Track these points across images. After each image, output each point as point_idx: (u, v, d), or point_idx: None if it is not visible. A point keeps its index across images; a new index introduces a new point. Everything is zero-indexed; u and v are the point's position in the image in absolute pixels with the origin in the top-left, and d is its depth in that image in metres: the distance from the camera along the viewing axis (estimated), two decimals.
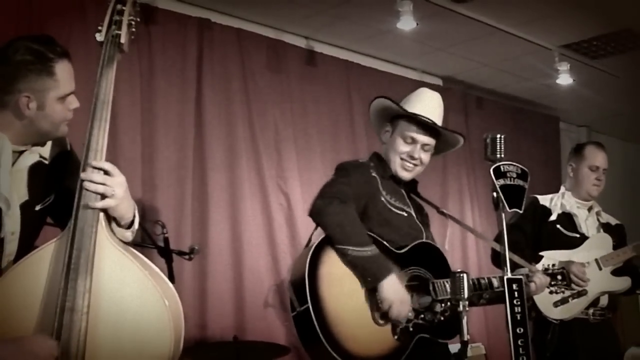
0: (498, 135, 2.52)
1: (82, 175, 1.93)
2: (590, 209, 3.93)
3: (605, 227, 3.91)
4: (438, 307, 2.72)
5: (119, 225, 2.02)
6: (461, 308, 2.31)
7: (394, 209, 2.84)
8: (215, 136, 4.63)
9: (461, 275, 2.33)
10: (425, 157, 2.94)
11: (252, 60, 4.90)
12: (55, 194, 2.17)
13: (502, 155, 2.51)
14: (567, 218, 3.84)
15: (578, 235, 3.81)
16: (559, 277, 3.15)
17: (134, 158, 4.22)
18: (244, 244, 4.62)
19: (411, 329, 2.66)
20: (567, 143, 7.17)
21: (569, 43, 5.49)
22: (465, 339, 2.30)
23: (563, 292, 3.24)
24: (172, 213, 4.33)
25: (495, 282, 2.84)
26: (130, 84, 4.24)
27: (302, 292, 2.52)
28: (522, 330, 2.34)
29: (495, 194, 2.47)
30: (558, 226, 3.81)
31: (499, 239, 2.52)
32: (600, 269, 3.73)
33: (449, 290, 2.65)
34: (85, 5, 4.09)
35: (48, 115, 2.06)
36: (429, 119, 2.88)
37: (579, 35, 5.36)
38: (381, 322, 2.61)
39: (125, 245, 2.01)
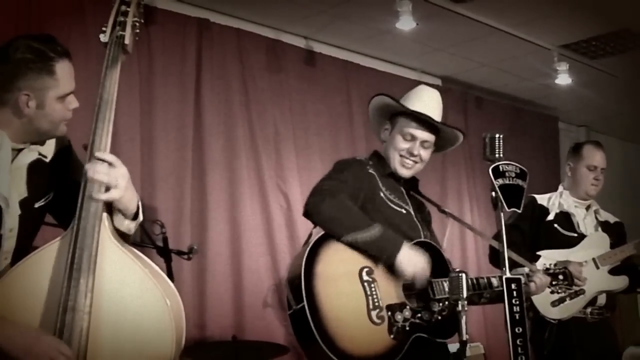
0: (497, 135, 2.53)
1: (87, 165, 1.94)
2: (588, 207, 3.93)
3: (604, 225, 3.91)
4: (436, 307, 2.71)
5: (124, 217, 2.02)
6: (460, 308, 2.31)
7: (392, 206, 2.84)
8: (215, 136, 4.63)
9: (459, 275, 2.33)
10: (425, 154, 2.92)
11: (251, 60, 4.91)
12: (55, 192, 2.18)
13: (501, 155, 2.51)
14: (564, 217, 3.85)
15: (576, 235, 3.81)
16: (561, 277, 3.13)
17: (133, 158, 4.22)
18: (243, 244, 4.63)
19: (408, 328, 2.65)
20: (566, 143, 7.17)
21: (568, 43, 5.50)
22: (464, 338, 2.31)
23: (564, 291, 3.23)
24: (171, 213, 4.33)
25: (495, 282, 2.83)
26: (130, 84, 4.24)
27: (298, 291, 2.52)
28: (520, 329, 2.34)
29: (494, 193, 2.48)
30: (556, 225, 3.81)
31: (497, 238, 2.53)
32: (597, 268, 3.73)
33: (447, 289, 2.65)
34: (85, 6, 4.10)
35: (47, 114, 2.06)
36: (427, 115, 2.88)
37: (578, 35, 5.37)
38: (377, 321, 2.60)
39: (127, 245, 2.02)
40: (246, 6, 4.80)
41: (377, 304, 2.62)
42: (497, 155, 2.51)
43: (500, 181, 2.48)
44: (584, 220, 3.87)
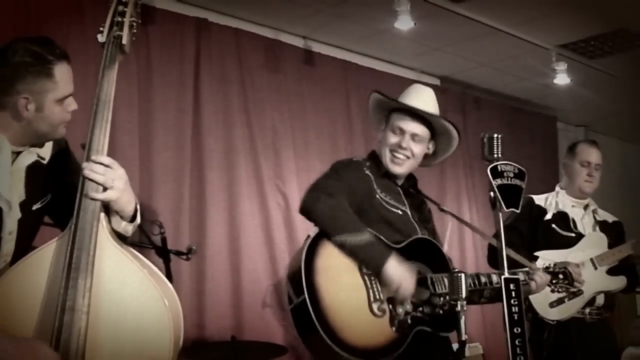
0: (495, 135, 2.53)
1: (84, 165, 1.94)
2: (586, 207, 3.93)
3: (602, 225, 3.91)
4: (437, 301, 2.71)
5: (121, 218, 2.02)
6: (459, 308, 2.31)
7: (388, 207, 2.83)
8: (213, 136, 4.63)
9: (459, 275, 2.33)
10: (416, 148, 2.88)
11: (250, 60, 4.91)
12: (53, 194, 2.18)
13: (500, 155, 2.51)
14: (562, 217, 3.85)
15: (574, 235, 3.81)
16: (561, 276, 3.13)
17: (131, 158, 4.22)
18: (242, 244, 4.62)
19: (409, 322, 2.65)
20: (564, 143, 7.16)
21: (566, 43, 5.50)
22: (463, 338, 2.31)
23: (566, 290, 3.22)
24: (170, 213, 4.33)
25: (495, 278, 2.83)
26: (128, 84, 4.24)
27: (299, 284, 2.52)
28: (519, 329, 2.34)
29: (492, 193, 2.48)
30: (553, 226, 3.81)
31: (496, 238, 2.52)
32: (595, 268, 3.73)
33: (447, 284, 2.65)
34: (83, 6, 4.10)
35: (46, 117, 2.06)
36: (412, 106, 2.86)
37: (577, 35, 5.38)
38: (379, 313, 2.60)
39: (125, 245, 2.01)
40: (245, 6, 4.80)
41: (378, 296, 2.62)
42: (495, 155, 2.51)
43: (499, 181, 2.48)
44: (582, 220, 3.87)
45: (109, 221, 2.00)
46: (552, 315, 3.63)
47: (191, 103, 4.58)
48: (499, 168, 2.50)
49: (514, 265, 2.94)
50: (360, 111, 5.31)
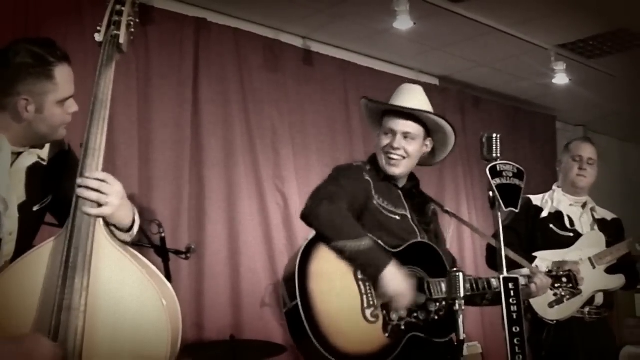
0: (494, 135, 2.52)
1: (79, 181, 1.92)
2: (584, 205, 3.93)
3: (601, 223, 3.90)
4: (432, 307, 2.71)
5: (117, 229, 2.02)
6: (457, 307, 2.31)
7: (385, 213, 2.82)
8: (212, 136, 4.63)
9: (457, 274, 2.33)
10: (410, 147, 2.86)
11: (249, 59, 4.91)
12: (54, 195, 2.18)
13: (499, 155, 2.51)
14: (558, 216, 3.84)
15: (572, 234, 3.80)
16: (564, 279, 3.12)
17: (130, 157, 4.22)
18: (241, 244, 4.63)
19: (403, 327, 2.65)
20: (563, 142, 7.10)
21: (565, 43, 5.50)
22: (462, 338, 2.31)
23: (571, 293, 3.20)
24: (169, 212, 4.33)
25: (494, 283, 2.82)
26: (127, 84, 4.24)
27: (292, 289, 2.53)
28: (518, 329, 2.34)
29: (491, 193, 2.48)
30: (551, 226, 3.80)
31: (495, 238, 2.52)
32: (593, 267, 3.73)
33: (444, 289, 2.65)
34: (82, 7, 4.09)
35: (46, 118, 2.06)
36: (397, 105, 2.86)
37: (576, 35, 5.38)
38: (372, 319, 2.60)
39: (124, 245, 2.01)
40: (244, 6, 4.80)
41: (371, 302, 2.61)
42: (494, 155, 2.51)
43: (498, 181, 2.48)
44: (580, 219, 3.87)
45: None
46: (551, 315, 3.62)
47: (190, 102, 4.58)
48: (498, 168, 2.49)
49: (514, 267, 2.94)
50: (359, 111, 5.28)
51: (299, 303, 2.49)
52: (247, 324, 4.51)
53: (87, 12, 4.07)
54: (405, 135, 2.86)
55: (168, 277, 3.44)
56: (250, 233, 4.69)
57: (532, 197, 3.90)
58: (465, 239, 6.00)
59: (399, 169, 2.88)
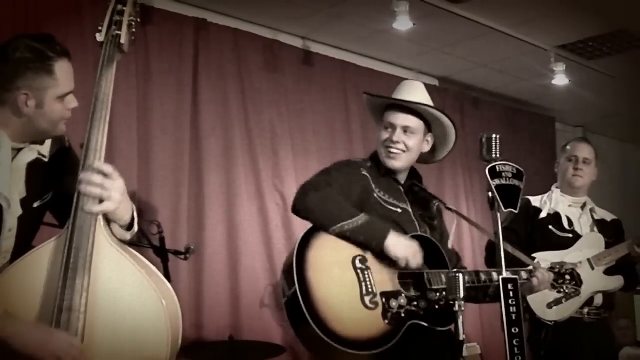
0: (494, 136, 2.52)
1: (81, 175, 1.92)
2: (583, 206, 3.92)
3: (600, 224, 3.90)
4: (432, 296, 2.70)
5: (118, 226, 2.02)
6: (457, 308, 2.31)
7: (387, 206, 2.82)
8: (212, 136, 4.64)
9: (457, 275, 2.33)
10: (410, 141, 2.86)
11: (249, 60, 4.91)
12: (54, 192, 2.17)
13: (498, 155, 2.51)
14: (557, 218, 3.84)
15: (571, 236, 3.80)
16: (568, 277, 3.11)
17: (130, 157, 4.22)
18: (240, 244, 4.63)
19: (403, 315, 2.64)
20: (562, 144, 7.15)
21: (565, 44, 5.51)
22: (461, 338, 2.31)
23: (575, 291, 3.19)
24: (168, 213, 4.33)
25: (496, 276, 2.81)
26: (127, 84, 4.24)
27: (290, 277, 2.53)
28: (517, 330, 2.34)
29: (490, 193, 2.48)
30: (550, 227, 3.80)
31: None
32: (592, 268, 3.72)
33: (444, 280, 2.65)
34: (82, 6, 4.10)
35: (46, 113, 2.06)
36: (395, 98, 2.87)
37: (575, 36, 5.38)
38: (371, 306, 2.60)
39: (123, 245, 2.01)
40: (243, 6, 4.80)
41: (370, 290, 2.61)
42: (494, 156, 2.51)
43: (497, 181, 2.48)
44: (580, 220, 3.86)
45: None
46: (550, 316, 3.62)
47: (190, 103, 4.58)
48: (497, 168, 2.50)
49: (516, 264, 2.94)
50: (359, 111, 5.31)
51: (297, 290, 2.49)
52: (246, 324, 4.51)
53: (87, 12, 4.08)
54: (405, 130, 2.86)
55: (167, 277, 3.44)
56: (250, 233, 4.69)
57: (531, 198, 3.90)
58: (464, 237, 6.00)
59: (399, 162, 2.88)
